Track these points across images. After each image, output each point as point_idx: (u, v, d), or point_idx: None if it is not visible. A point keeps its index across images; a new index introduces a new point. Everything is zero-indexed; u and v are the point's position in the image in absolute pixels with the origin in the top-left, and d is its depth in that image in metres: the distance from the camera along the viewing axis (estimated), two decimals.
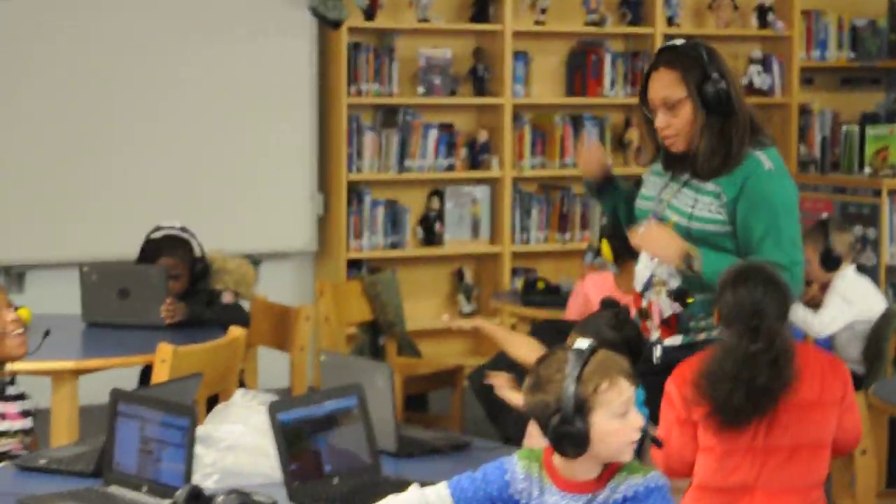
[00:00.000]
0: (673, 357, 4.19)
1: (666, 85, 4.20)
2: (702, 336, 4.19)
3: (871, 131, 8.50)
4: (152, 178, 7.78)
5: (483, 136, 8.55)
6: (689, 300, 4.19)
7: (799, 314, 5.95)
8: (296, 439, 3.37)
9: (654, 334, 4.26)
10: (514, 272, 8.56)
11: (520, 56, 8.62)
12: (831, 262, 6.19)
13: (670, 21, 8.96)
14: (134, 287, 5.59)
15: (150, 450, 3.38)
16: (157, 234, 5.80)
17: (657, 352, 4.25)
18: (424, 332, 7.93)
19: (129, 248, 5.93)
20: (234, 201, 7.98)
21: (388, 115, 8.40)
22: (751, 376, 3.70)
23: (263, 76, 8.03)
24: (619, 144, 8.96)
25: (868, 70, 9.53)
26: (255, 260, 6.38)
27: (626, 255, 5.31)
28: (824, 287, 6.19)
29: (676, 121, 4.19)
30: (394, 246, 8.38)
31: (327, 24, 7.98)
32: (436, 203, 8.50)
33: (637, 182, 4.47)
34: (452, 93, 8.48)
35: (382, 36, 8.39)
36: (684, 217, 4.19)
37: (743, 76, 9.17)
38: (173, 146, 7.84)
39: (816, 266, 6.14)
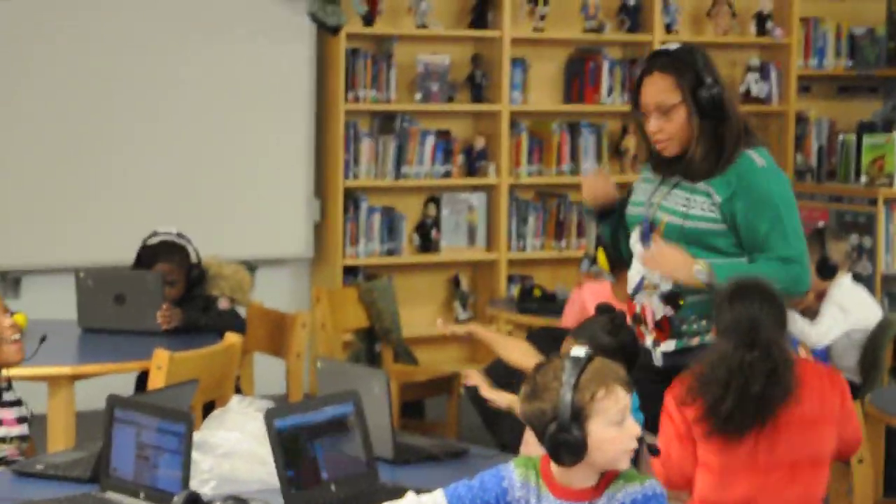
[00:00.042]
0: (668, 363, 4.20)
1: (660, 90, 4.20)
2: (695, 340, 4.20)
3: (867, 140, 8.50)
4: (149, 184, 7.77)
5: (480, 143, 8.55)
6: (681, 302, 4.19)
7: (797, 324, 5.95)
8: (292, 446, 3.36)
9: (649, 339, 4.26)
10: (511, 279, 8.57)
11: (518, 63, 8.63)
12: (827, 271, 6.19)
13: (669, 28, 8.97)
14: (130, 293, 5.58)
15: (147, 456, 3.37)
16: (154, 240, 5.80)
17: (657, 355, 4.25)
18: (421, 339, 7.93)
19: (126, 254, 5.93)
20: (231, 207, 7.98)
21: (386, 122, 8.40)
22: (744, 384, 3.70)
23: (261, 81, 8.02)
24: (616, 152, 8.97)
25: (866, 78, 9.54)
26: (252, 266, 6.37)
27: (622, 264, 5.32)
28: (820, 296, 6.19)
29: (670, 125, 4.20)
30: (390, 253, 8.38)
31: (326, 30, 7.98)
32: (432, 210, 8.49)
33: (628, 192, 4.48)
34: (450, 99, 8.49)
35: (381, 42, 8.39)
36: (678, 216, 4.20)
37: (740, 84, 9.18)
38: (171, 151, 7.83)
39: (812, 274, 6.14)
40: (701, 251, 4.17)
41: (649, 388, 3.94)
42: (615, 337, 4.03)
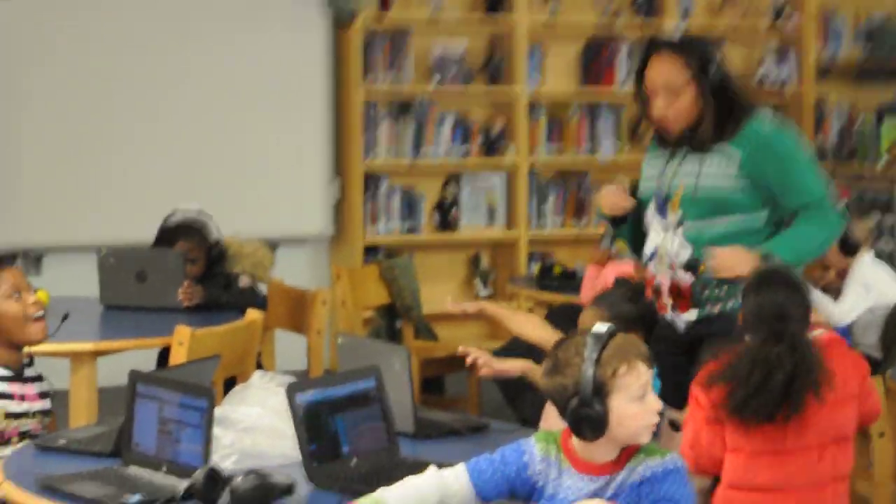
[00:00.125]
0: (690, 333, 4.21)
1: (669, 69, 4.25)
2: (717, 308, 4.22)
3: (888, 121, 8.48)
4: (171, 164, 7.80)
5: (498, 126, 8.54)
6: (702, 268, 4.22)
7: (820, 303, 5.95)
8: (314, 420, 3.37)
9: (670, 310, 4.28)
10: (531, 257, 8.57)
11: (534, 48, 8.60)
12: (850, 248, 6.19)
13: (685, 14, 8.93)
14: (151, 270, 5.60)
15: (169, 430, 3.38)
16: (175, 218, 5.81)
17: (679, 324, 4.27)
18: (441, 316, 7.92)
19: (147, 233, 5.95)
20: (253, 187, 8.01)
21: (403, 106, 8.40)
22: (766, 374, 3.71)
23: (282, 66, 8.05)
24: (634, 136, 8.95)
25: (882, 64, 9.50)
26: (273, 244, 6.38)
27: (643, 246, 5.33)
28: (841, 274, 6.19)
29: (677, 103, 4.25)
30: (410, 231, 8.39)
31: (343, 16, 7.99)
32: (452, 190, 8.50)
33: (634, 186, 4.52)
34: (467, 84, 8.47)
35: (396, 28, 8.38)
36: (692, 178, 4.23)
37: (758, 70, 9.14)
38: (192, 133, 7.86)
39: (835, 251, 6.14)
40: (722, 211, 4.20)
41: (670, 360, 3.95)
42: (635, 305, 4.05)
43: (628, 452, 3.00)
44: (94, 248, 5.84)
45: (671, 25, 8.77)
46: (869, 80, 9.54)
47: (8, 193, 7.56)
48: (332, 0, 7.85)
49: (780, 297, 3.80)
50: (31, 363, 4.11)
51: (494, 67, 8.51)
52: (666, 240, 4.30)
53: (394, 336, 7.01)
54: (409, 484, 3.03)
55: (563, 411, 3.00)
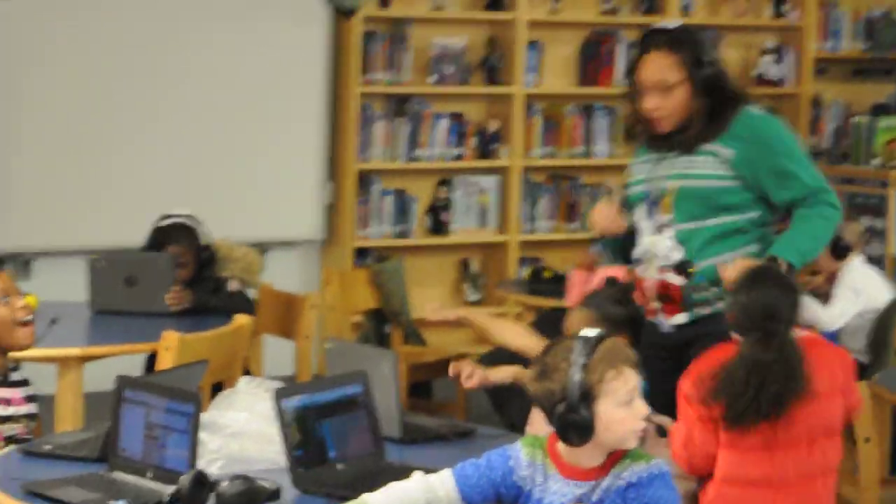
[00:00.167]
0: (679, 336, 4.21)
1: (661, 68, 4.26)
2: (707, 310, 4.22)
3: (882, 122, 8.49)
4: (160, 166, 7.77)
5: (493, 126, 8.54)
6: (691, 270, 4.22)
7: (809, 308, 5.95)
8: (300, 426, 3.37)
9: (661, 314, 4.27)
10: (522, 261, 8.56)
11: (533, 45, 8.60)
12: (840, 251, 6.19)
13: (685, 10, 8.93)
14: (141, 275, 5.59)
15: (155, 436, 3.38)
16: (165, 222, 5.80)
17: (667, 326, 4.26)
18: (430, 321, 7.89)
19: (137, 237, 5.93)
20: (244, 189, 7.97)
21: (399, 105, 8.39)
22: (762, 383, 3.74)
23: (276, 64, 8.01)
24: (628, 137, 8.92)
25: (881, 61, 9.50)
26: (263, 248, 6.38)
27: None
28: (830, 278, 6.19)
29: (668, 103, 4.25)
30: (401, 235, 8.38)
31: (342, 13, 7.98)
32: (444, 192, 8.49)
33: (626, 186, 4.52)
34: (464, 82, 8.47)
35: (396, 24, 8.37)
36: (682, 178, 4.24)
37: (756, 66, 9.15)
38: (183, 134, 7.83)
39: (826, 254, 6.13)
40: (712, 211, 4.21)
41: (658, 365, 3.95)
42: (624, 307, 4.04)
43: (614, 458, 3.00)
44: (84, 252, 5.82)
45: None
46: (867, 76, 9.54)
47: None
48: None
49: (771, 297, 3.82)
50: (16, 368, 4.10)
51: (492, 65, 8.50)
52: (656, 241, 4.30)
53: (382, 341, 7.01)
54: (395, 489, 3.03)
55: (550, 416, 2.99)
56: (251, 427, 3.58)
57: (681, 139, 4.27)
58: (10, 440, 3.94)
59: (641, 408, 2.99)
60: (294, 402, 3.38)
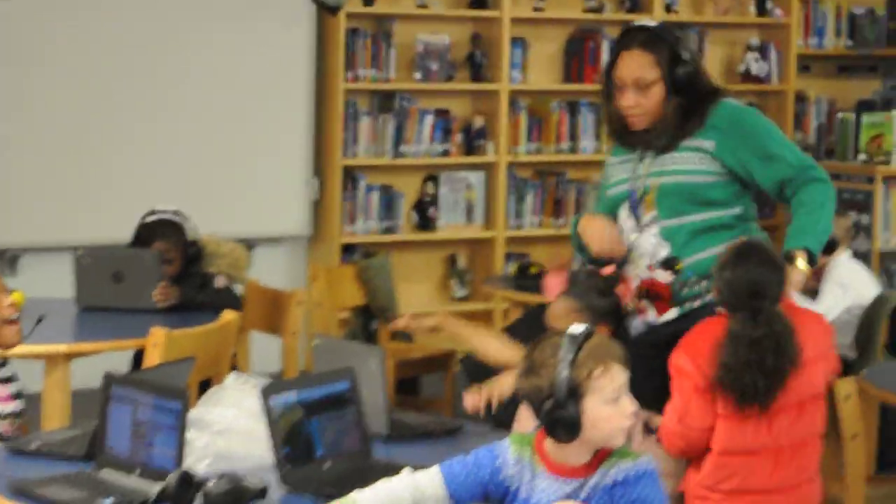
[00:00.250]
0: (669, 330, 4.21)
1: (640, 66, 4.26)
2: (696, 304, 4.23)
3: (866, 118, 8.50)
4: (147, 163, 7.76)
5: (479, 122, 8.54)
6: (679, 266, 4.22)
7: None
8: (288, 423, 3.37)
9: (651, 312, 4.28)
10: (508, 257, 8.56)
11: (517, 42, 8.60)
12: (827, 246, 6.18)
13: (668, 8, 8.94)
14: (128, 271, 5.58)
15: (143, 433, 3.37)
16: (151, 218, 5.79)
17: (638, 326, 4.27)
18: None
19: (123, 233, 5.92)
20: (230, 185, 7.97)
21: (385, 101, 8.38)
22: (758, 360, 3.83)
23: (261, 61, 8.00)
24: (611, 134, 8.92)
25: (865, 58, 9.52)
26: (250, 244, 6.36)
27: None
28: (817, 273, 6.18)
29: (646, 101, 4.26)
30: (388, 231, 8.37)
31: (326, 10, 7.96)
32: (430, 188, 8.48)
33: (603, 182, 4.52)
34: (449, 79, 8.47)
35: (381, 21, 8.37)
36: (664, 175, 4.24)
37: (740, 63, 9.16)
38: (169, 130, 7.82)
39: None
40: (696, 206, 4.21)
41: (647, 363, 3.95)
42: (608, 298, 4.05)
43: (601, 455, 3.00)
44: (70, 248, 5.81)
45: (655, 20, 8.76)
46: (851, 73, 9.55)
47: None
48: None
49: (756, 274, 3.86)
50: (3, 364, 4.09)
51: (477, 62, 8.50)
52: (642, 239, 4.30)
53: (369, 337, 7.00)
54: (383, 486, 3.03)
55: (537, 413, 3.00)
56: (238, 424, 3.57)
57: (658, 138, 4.27)
58: None
59: (628, 405, 2.99)
60: (282, 398, 3.38)
